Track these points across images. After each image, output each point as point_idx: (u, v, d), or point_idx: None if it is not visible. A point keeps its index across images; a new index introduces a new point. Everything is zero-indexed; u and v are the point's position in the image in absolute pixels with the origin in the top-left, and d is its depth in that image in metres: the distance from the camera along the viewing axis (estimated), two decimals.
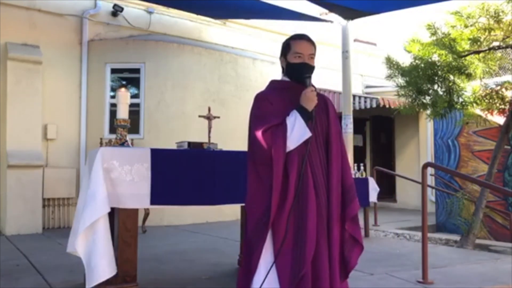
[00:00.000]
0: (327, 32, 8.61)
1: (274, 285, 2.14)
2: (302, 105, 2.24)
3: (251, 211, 2.26)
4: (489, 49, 6.29)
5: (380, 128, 12.52)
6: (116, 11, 7.96)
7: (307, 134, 2.21)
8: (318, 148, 2.30)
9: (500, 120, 7.26)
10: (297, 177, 2.19)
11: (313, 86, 2.33)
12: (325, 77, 9.60)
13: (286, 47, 2.39)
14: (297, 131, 2.20)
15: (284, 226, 2.16)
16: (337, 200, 2.29)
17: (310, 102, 2.24)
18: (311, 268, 2.15)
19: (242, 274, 2.27)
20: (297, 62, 2.32)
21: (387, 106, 9.80)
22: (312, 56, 2.35)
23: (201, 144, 3.95)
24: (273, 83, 2.46)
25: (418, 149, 11.24)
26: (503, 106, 6.66)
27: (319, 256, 2.17)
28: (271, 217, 2.16)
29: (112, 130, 7.22)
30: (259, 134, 2.21)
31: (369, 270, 4.26)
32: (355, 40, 10.23)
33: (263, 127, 2.21)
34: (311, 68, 2.34)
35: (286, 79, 2.41)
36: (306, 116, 2.22)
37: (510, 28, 6.19)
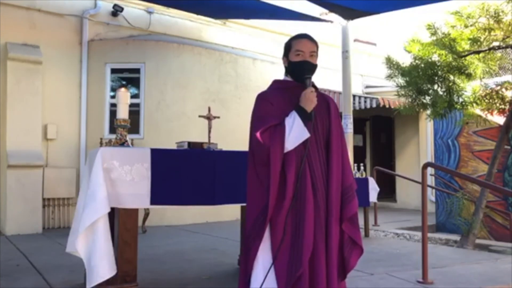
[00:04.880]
0: (327, 32, 8.61)
1: (271, 285, 2.15)
2: (301, 106, 2.24)
3: (249, 210, 2.28)
4: (489, 49, 6.28)
5: (380, 128, 12.52)
6: (116, 11, 7.96)
7: (306, 135, 2.22)
8: (318, 149, 2.30)
9: (500, 120, 7.26)
10: (295, 178, 2.20)
11: (314, 86, 2.34)
12: (325, 77, 9.60)
13: (288, 46, 2.41)
14: (295, 132, 2.20)
15: (282, 226, 2.17)
16: (336, 201, 2.29)
17: (309, 103, 2.24)
18: (308, 268, 2.15)
19: (242, 272, 2.29)
20: (298, 60, 2.33)
21: (387, 106, 9.80)
22: (314, 54, 2.35)
23: (201, 144, 3.95)
24: (275, 83, 2.47)
25: (418, 149, 11.24)
26: (503, 106, 6.65)
27: (316, 256, 2.18)
28: (267, 217, 2.17)
29: (112, 130, 7.23)
30: (258, 134, 2.22)
31: (369, 270, 4.26)
32: (355, 40, 10.23)
33: (262, 127, 2.22)
34: (312, 66, 2.34)
35: (288, 78, 2.42)
36: (305, 116, 2.22)
37: (510, 28, 6.19)
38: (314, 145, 2.28)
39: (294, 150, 2.23)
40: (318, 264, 2.18)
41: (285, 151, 2.21)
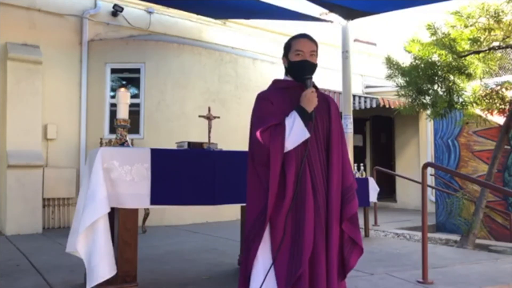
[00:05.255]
0: (327, 32, 8.61)
1: (271, 285, 2.15)
2: (302, 106, 2.24)
3: (249, 211, 2.28)
4: (489, 49, 6.28)
5: (380, 128, 12.52)
6: (116, 11, 7.96)
7: (306, 135, 2.21)
8: (318, 149, 2.30)
9: (500, 120, 7.26)
10: (295, 178, 2.20)
11: (314, 86, 2.34)
12: (325, 77, 9.60)
13: (287, 46, 2.41)
14: (295, 132, 2.20)
15: (282, 226, 2.17)
16: (336, 201, 2.29)
17: (309, 103, 2.24)
18: (309, 268, 2.15)
19: (242, 272, 2.29)
20: (298, 60, 2.33)
21: (387, 106, 9.80)
22: (313, 53, 2.34)
23: (201, 144, 3.95)
24: (275, 83, 2.47)
25: (418, 149, 11.24)
26: (503, 106, 6.65)
27: (316, 256, 2.17)
28: (267, 217, 2.17)
29: (112, 130, 7.22)
30: (258, 134, 2.22)
31: (369, 270, 4.26)
32: (355, 40, 10.23)
33: (262, 127, 2.22)
34: (312, 65, 2.34)
35: (289, 78, 2.42)
36: (306, 117, 2.22)
37: (510, 28, 6.19)
38: (314, 145, 2.28)
39: (294, 150, 2.22)
40: (318, 264, 2.17)
41: (285, 151, 2.21)
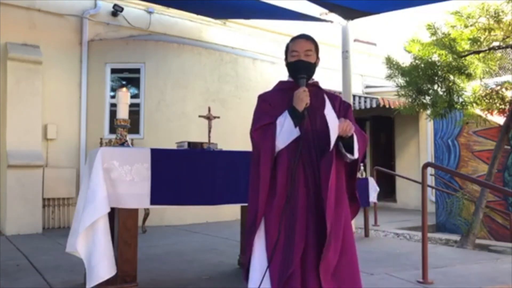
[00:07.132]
0: (327, 32, 8.61)
1: (266, 284, 2.16)
2: (294, 105, 2.26)
3: (248, 209, 2.31)
4: (489, 49, 6.29)
5: (380, 128, 12.52)
6: (116, 11, 7.96)
7: (295, 133, 2.24)
8: (316, 148, 2.29)
9: (500, 120, 7.26)
10: (286, 177, 2.22)
11: (317, 86, 2.39)
12: (325, 77, 9.59)
13: (286, 49, 2.46)
14: (285, 131, 2.23)
15: (276, 226, 2.18)
16: (333, 197, 2.24)
17: (300, 102, 2.26)
18: (300, 267, 2.15)
19: (243, 270, 2.32)
20: (293, 61, 2.38)
21: (387, 106, 9.80)
22: (310, 52, 2.37)
23: (201, 144, 3.95)
24: (278, 84, 2.52)
25: (418, 149, 11.24)
26: (503, 106, 6.66)
27: (308, 255, 2.17)
28: (258, 215, 2.20)
29: (112, 130, 7.22)
30: (252, 133, 2.29)
31: (368, 270, 4.26)
32: (355, 40, 10.22)
33: (256, 126, 2.29)
34: (306, 64, 2.36)
35: (291, 79, 2.45)
36: (297, 116, 2.24)
37: (510, 28, 6.19)
38: (311, 144, 2.28)
39: (287, 150, 2.25)
40: (309, 263, 2.17)
41: (277, 149, 2.24)
